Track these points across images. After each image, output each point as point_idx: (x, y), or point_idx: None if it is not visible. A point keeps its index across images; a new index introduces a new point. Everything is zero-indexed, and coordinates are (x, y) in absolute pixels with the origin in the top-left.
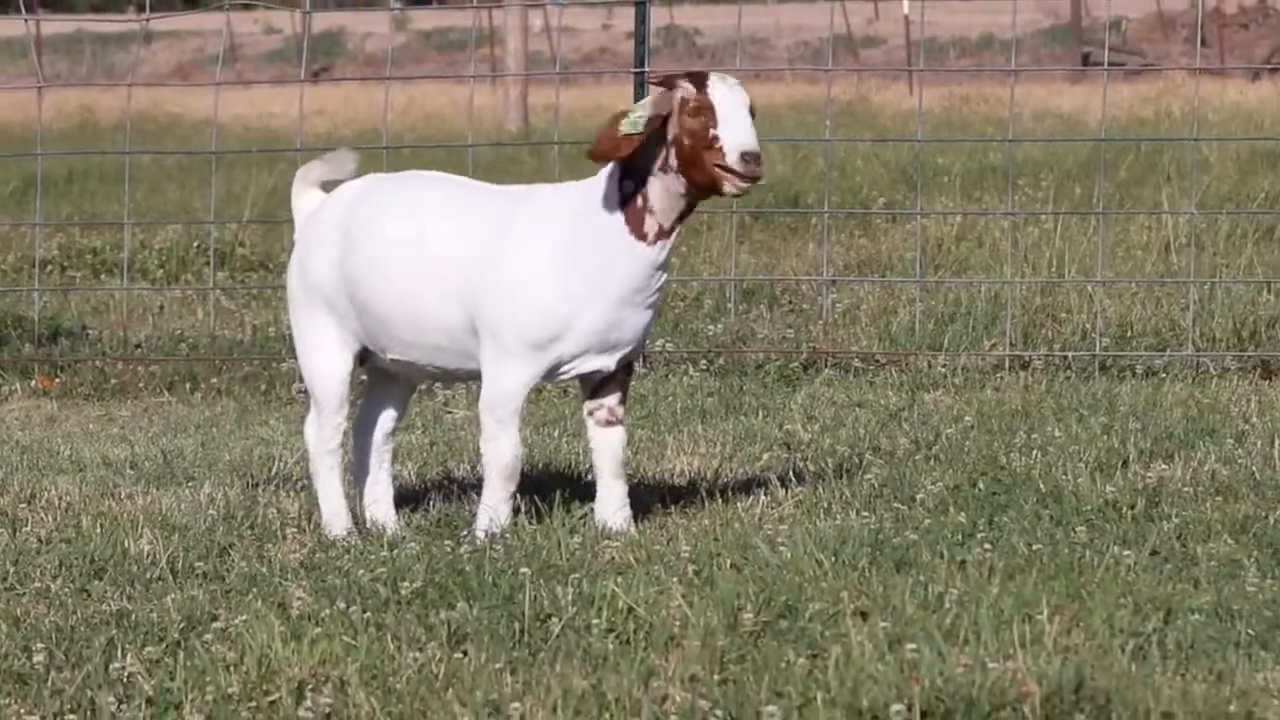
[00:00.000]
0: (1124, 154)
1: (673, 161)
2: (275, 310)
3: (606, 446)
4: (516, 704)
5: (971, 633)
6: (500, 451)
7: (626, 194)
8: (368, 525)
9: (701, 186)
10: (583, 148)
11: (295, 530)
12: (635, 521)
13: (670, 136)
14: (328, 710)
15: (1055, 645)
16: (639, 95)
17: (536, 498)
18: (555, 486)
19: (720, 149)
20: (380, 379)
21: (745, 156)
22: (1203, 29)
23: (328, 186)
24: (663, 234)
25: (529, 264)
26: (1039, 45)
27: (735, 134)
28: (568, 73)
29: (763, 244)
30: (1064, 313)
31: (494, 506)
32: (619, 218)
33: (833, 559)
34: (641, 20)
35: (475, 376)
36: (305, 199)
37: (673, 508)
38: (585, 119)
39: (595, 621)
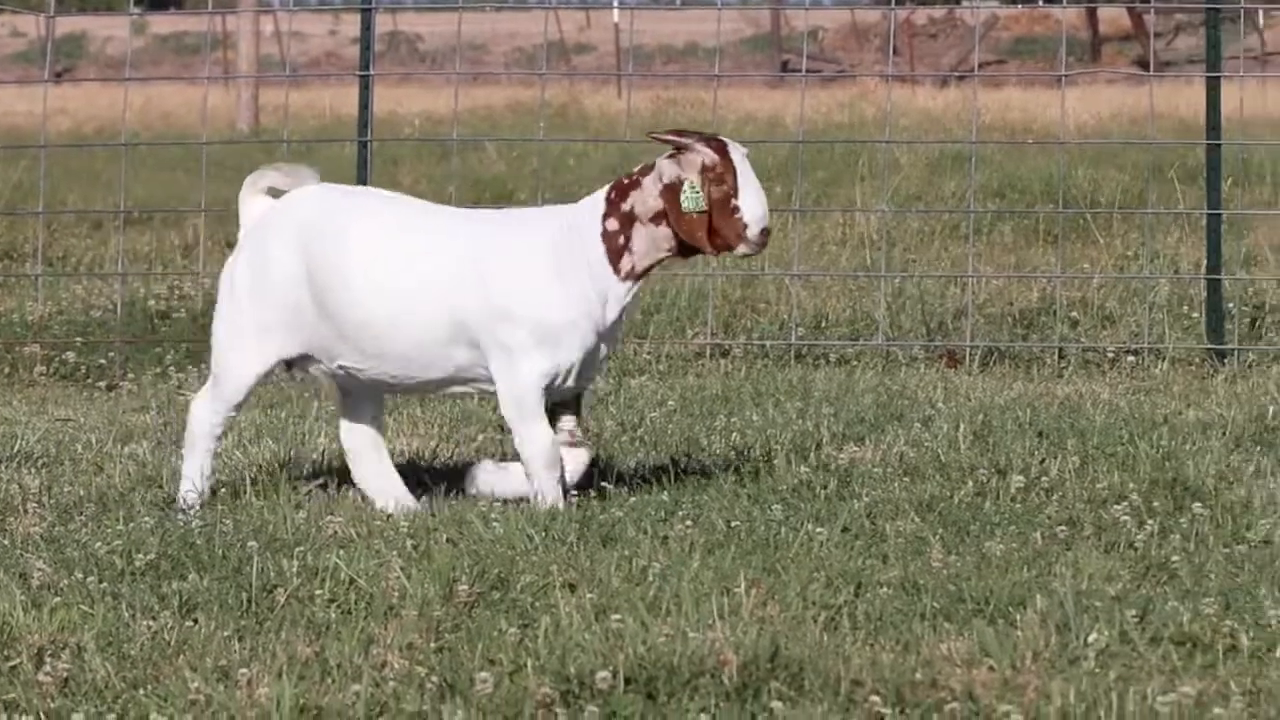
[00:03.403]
0: (821, 155)
1: (673, 219)
2: (19, 297)
3: (572, 464)
4: (244, 670)
5: (673, 604)
6: (537, 443)
7: (608, 230)
8: (391, 510)
9: (712, 245)
10: (310, 145)
11: (35, 505)
12: (357, 498)
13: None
14: (66, 674)
15: (752, 616)
16: (364, 98)
17: (264, 475)
18: (281, 464)
19: (740, 219)
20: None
21: (764, 231)
22: (894, 39)
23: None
24: (634, 274)
25: (528, 278)
26: (741, 53)
27: (756, 207)
28: (296, 75)
29: None
30: (763, 304)
31: (546, 494)
32: (598, 248)
33: (543, 534)
34: (367, 26)
35: (424, 389)
36: (253, 203)
37: None
38: (313, 119)
39: (319, 592)
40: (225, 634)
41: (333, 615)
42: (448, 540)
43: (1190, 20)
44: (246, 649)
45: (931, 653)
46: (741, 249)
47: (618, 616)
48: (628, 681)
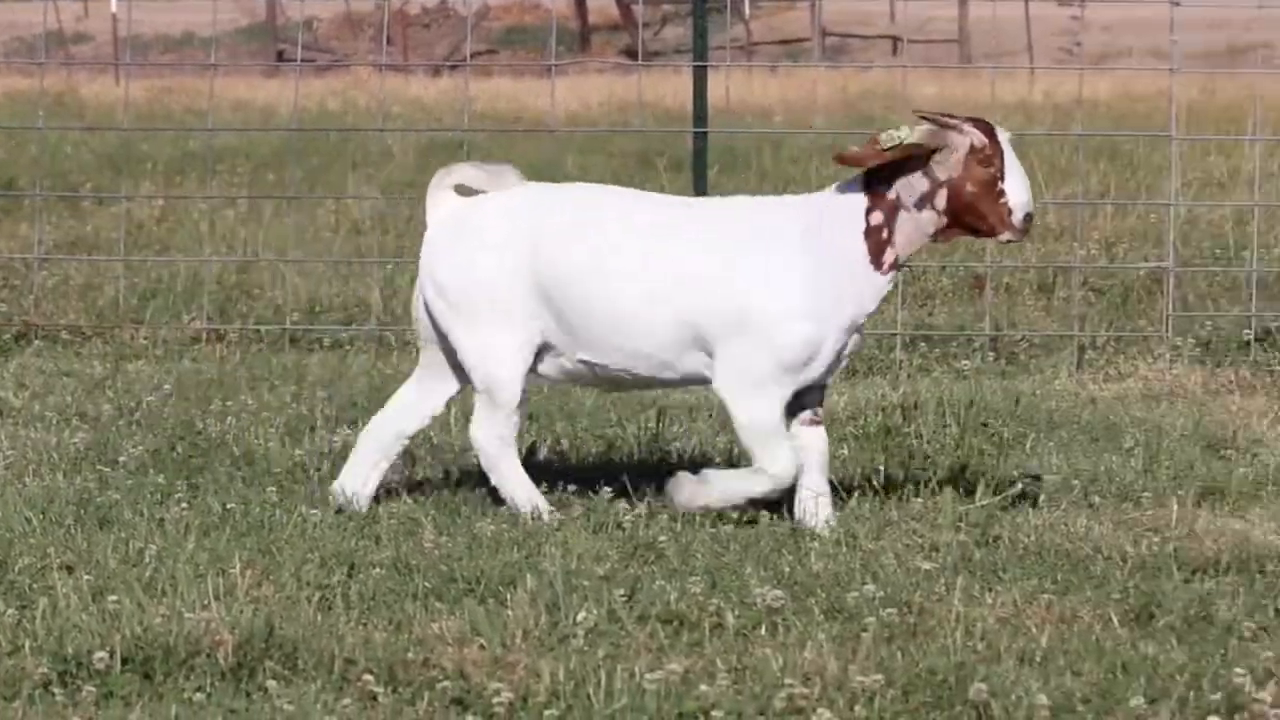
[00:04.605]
0: (315, 143)
1: (940, 203)
2: None
3: (814, 444)
4: None
5: (169, 585)
6: (783, 467)
7: (873, 224)
8: (343, 496)
9: (974, 232)
10: None
11: None
12: None
13: (944, 178)
14: None
15: (247, 597)
16: None
17: None
18: None
19: (1005, 204)
20: (432, 373)
21: (1028, 216)
22: (388, 28)
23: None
24: (896, 266)
25: (781, 293)
26: (237, 42)
27: (1021, 192)
28: None
29: None
30: (257, 289)
31: (739, 490)
32: (859, 245)
33: (41, 517)
34: None
35: (663, 384)
36: (442, 199)
37: None
38: None
39: None
40: None
41: None
42: None
43: (677, 11)
44: None
45: (424, 632)
46: (1005, 235)
47: (114, 598)
48: (125, 661)
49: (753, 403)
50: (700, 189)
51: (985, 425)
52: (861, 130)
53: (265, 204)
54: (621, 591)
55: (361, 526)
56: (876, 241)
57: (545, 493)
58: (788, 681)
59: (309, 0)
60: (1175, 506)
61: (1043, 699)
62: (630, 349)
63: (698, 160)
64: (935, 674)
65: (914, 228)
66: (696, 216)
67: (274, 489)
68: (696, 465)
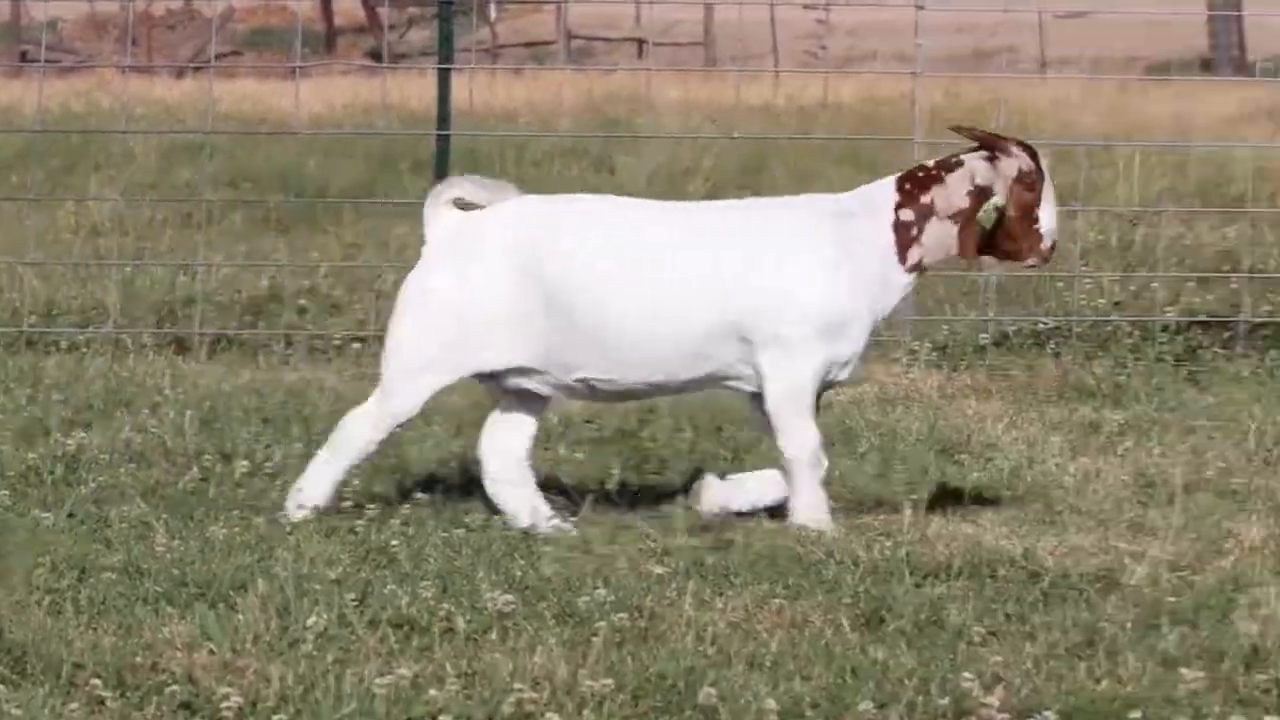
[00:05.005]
0: (58, 144)
1: (963, 221)
2: None
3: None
4: None
5: None
6: (804, 442)
7: (902, 220)
8: (538, 528)
9: (1001, 254)
10: None
11: None
12: None
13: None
14: None
15: None
16: None
17: None
18: None
19: (1039, 230)
20: (511, 401)
21: (1053, 245)
22: (133, 30)
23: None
24: (919, 268)
25: (804, 265)
26: None
27: (1052, 219)
28: None
29: None
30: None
31: (811, 496)
32: (887, 237)
33: None
34: None
35: (672, 392)
36: (441, 215)
37: None
38: None
39: None
40: None
41: None
42: None
43: (423, 14)
44: None
45: (153, 636)
46: (1031, 260)
47: None
48: None
49: (786, 370)
50: None
51: (720, 430)
52: (607, 134)
53: (6, 205)
54: (352, 596)
55: (94, 530)
56: (904, 238)
57: (279, 498)
58: (517, 686)
59: (53, 1)
60: (908, 511)
61: (772, 703)
62: (648, 359)
63: (440, 163)
64: (665, 678)
65: (941, 237)
66: (711, 220)
67: (7, 492)
68: (431, 471)
